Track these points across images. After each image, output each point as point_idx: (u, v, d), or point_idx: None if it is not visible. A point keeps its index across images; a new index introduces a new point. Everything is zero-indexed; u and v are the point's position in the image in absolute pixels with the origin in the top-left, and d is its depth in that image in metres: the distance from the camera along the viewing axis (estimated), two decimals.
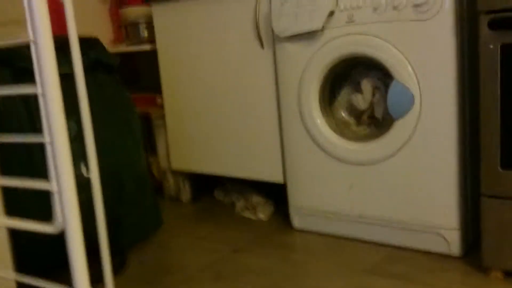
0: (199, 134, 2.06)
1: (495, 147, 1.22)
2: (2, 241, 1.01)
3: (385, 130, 1.51)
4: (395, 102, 1.43)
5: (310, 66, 1.60)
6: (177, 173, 2.28)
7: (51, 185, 0.35)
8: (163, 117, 2.22)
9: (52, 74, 0.36)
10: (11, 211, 0.95)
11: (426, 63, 1.38)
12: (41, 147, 1.33)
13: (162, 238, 1.82)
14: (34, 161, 1.34)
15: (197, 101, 2.03)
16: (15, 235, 1.20)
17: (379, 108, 1.58)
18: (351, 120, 1.67)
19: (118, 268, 1.58)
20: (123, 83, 1.58)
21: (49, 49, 0.36)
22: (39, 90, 0.35)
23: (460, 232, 1.43)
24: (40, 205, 1.37)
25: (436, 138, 1.40)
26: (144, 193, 1.65)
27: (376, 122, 1.62)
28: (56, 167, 0.34)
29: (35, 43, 0.35)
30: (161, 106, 2.25)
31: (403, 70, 1.41)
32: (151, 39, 2.20)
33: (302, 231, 1.77)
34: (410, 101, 1.41)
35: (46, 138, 0.34)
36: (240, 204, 2.09)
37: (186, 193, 2.32)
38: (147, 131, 2.46)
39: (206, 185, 2.35)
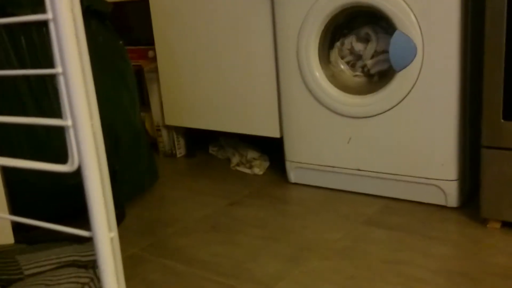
0: (194, 88, 2.02)
1: (498, 98, 1.20)
2: None
3: (384, 83, 1.48)
4: (397, 53, 1.40)
5: (310, 16, 1.55)
6: (171, 129, 2.25)
7: (65, 120, 0.33)
8: (155, 70, 2.17)
9: None
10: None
11: (430, 13, 1.34)
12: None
13: (158, 192, 1.81)
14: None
15: (191, 53, 1.98)
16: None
17: (377, 61, 1.55)
18: (349, 73, 1.64)
19: (117, 221, 1.58)
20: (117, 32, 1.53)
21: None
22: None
23: (458, 183, 1.43)
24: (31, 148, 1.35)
25: (437, 90, 1.38)
26: (140, 148, 1.62)
27: (373, 76, 1.59)
28: (70, 100, 0.32)
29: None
30: (154, 59, 2.19)
31: (406, 20, 1.37)
32: None
33: (298, 185, 1.77)
34: (412, 52, 1.38)
35: (58, 69, 0.31)
36: (235, 159, 2.08)
37: (180, 149, 2.30)
38: (139, 85, 2.41)
39: (200, 141, 2.33)
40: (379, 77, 1.58)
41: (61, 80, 0.32)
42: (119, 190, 1.57)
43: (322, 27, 1.55)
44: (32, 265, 1.00)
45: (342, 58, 1.63)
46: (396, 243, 1.29)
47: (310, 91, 1.61)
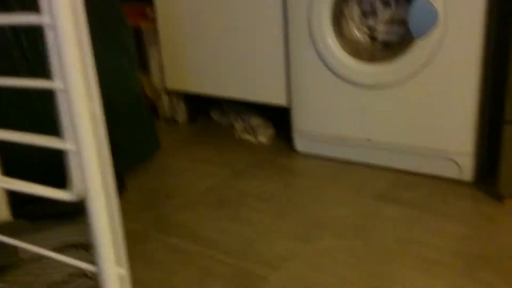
0: (196, 51, 1.92)
1: None
2: None
3: (401, 51, 1.39)
4: (417, 20, 1.30)
5: None
6: (172, 93, 2.17)
7: (66, 143, 0.25)
8: (155, 32, 2.06)
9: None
10: None
11: None
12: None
13: (160, 162, 1.74)
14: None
15: (194, 13, 1.87)
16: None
17: (389, 31, 1.45)
18: (364, 40, 1.54)
19: (118, 192, 1.52)
20: None
21: None
22: (46, 20, 0.24)
23: (474, 158, 1.37)
24: None
25: (458, 61, 1.29)
26: (140, 116, 1.55)
27: (376, 41, 1.50)
28: (73, 120, 0.25)
29: None
30: (153, 20, 2.07)
31: None
32: None
33: (305, 155, 1.71)
34: (433, 19, 1.28)
35: (58, 84, 0.24)
36: (239, 125, 2.01)
37: (182, 114, 2.22)
38: (138, 47, 2.30)
39: (201, 105, 2.25)
40: (382, 45, 1.48)
41: (62, 97, 0.24)
42: (119, 160, 1.51)
43: None
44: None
45: (354, 25, 1.53)
46: (409, 220, 1.24)
47: (321, 58, 1.52)
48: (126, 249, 1.11)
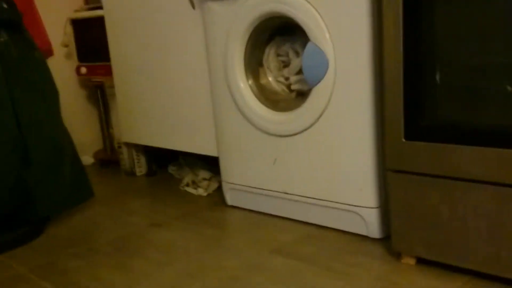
0: (143, 104, 1.96)
1: (398, 116, 1.06)
2: None
3: (303, 99, 1.36)
4: (310, 66, 1.28)
5: (233, 26, 1.46)
6: (131, 146, 2.20)
7: None
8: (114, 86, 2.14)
9: None
10: None
11: (341, 25, 1.21)
12: None
13: (89, 210, 1.74)
14: None
15: (138, 69, 1.93)
16: None
17: (300, 79, 1.43)
18: (282, 90, 1.52)
19: (29, 237, 1.52)
20: (33, 43, 1.49)
21: None
22: None
23: (378, 211, 1.28)
24: None
25: (351, 107, 1.24)
26: (60, 162, 1.56)
27: (292, 92, 1.47)
28: None
29: None
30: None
31: (319, 31, 1.25)
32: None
33: (233, 207, 1.65)
34: (325, 65, 1.25)
35: None
36: (187, 178, 1.99)
37: (140, 167, 2.23)
38: (104, 103, 2.38)
39: (163, 159, 2.26)
40: (296, 95, 1.45)
41: None
42: (35, 205, 1.52)
43: (246, 38, 1.45)
44: None
45: (271, 72, 1.52)
46: (290, 275, 1.15)
47: (236, 105, 1.51)
48: None
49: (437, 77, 1.01)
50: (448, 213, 1.04)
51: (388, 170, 1.11)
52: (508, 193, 0.95)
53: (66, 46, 2.32)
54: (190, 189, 1.91)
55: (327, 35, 1.24)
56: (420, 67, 1.01)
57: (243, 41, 1.46)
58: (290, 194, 1.45)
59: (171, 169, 2.19)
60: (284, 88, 1.50)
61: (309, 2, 1.25)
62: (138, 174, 2.23)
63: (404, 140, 1.06)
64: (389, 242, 1.27)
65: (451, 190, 1.02)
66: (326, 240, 1.33)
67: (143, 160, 2.23)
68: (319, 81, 1.27)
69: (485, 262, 1.01)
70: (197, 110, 1.73)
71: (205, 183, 1.92)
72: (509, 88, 0.92)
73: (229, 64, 1.49)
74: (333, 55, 1.24)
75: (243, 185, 1.59)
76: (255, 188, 1.55)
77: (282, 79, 1.50)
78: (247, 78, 1.49)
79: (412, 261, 1.16)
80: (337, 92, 1.26)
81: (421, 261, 1.15)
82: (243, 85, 1.48)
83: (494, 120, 0.95)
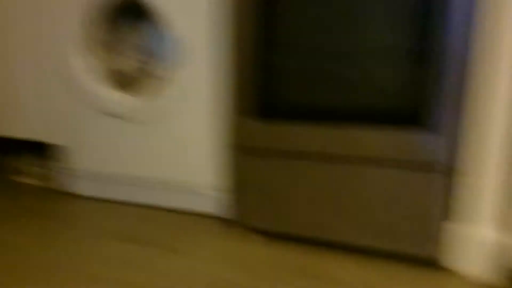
0: None
1: (243, 95, 1.05)
2: None
3: (144, 83, 1.30)
4: (167, 52, 1.21)
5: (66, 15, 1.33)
6: None
7: None
8: None
9: None
10: None
11: (190, 10, 1.17)
12: None
13: None
14: None
15: None
16: None
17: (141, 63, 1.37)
18: (134, 72, 1.43)
19: None
20: None
21: None
22: None
23: (219, 190, 1.26)
24: None
25: (193, 90, 1.21)
26: None
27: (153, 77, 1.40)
28: None
29: None
30: None
31: (166, 13, 1.19)
32: None
33: (79, 196, 1.53)
34: (178, 49, 1.20)
35: None
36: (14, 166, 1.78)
37: None
38: None
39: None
40: (150, 78, 1.39)
41: None
42: None
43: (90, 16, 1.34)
44: None
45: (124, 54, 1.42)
46: (127, 258, 1.09)
47: (73, 86, 1.39)
48: None
49: (278, 60, 1.02)
50: (286, 186, 1.06)
51: (230, 148, 1.10)
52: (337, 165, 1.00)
53: None
54: (26, 179, 1.72)
55: (174, 17, 1.19)
56: (266, 50, 1.02)
57: (80, 19, 1.34)
58: (133, 178, 1.38)
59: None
60: (131, 70, 1.42)
61: None
62: None
63: (245, 118, 1.06)
64: (232, 219, 1.27)
65: (291, 166, 1.04)
66: (170, 221, 1.29)
67: None
68: (167, 64, 1.22)
69: (308, 227, 1.05)
70: (18, 93, 1.55)
71: (35, 169, 1.73)
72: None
73: (63, 42, 1.36)
74: (180, 36, 1.19)
75: (86, 172, 1.47)
76: (99, 174, 1.44)
77: (136, 62, 1.41)
78: (88, 57, 1.37)
79: (256, 236, 1.17)
80: (181, 78, 1.21)
81: (266, 234, 1.16)
82: (83, 65, 1.37)
83: (326, 100, 0.99)
